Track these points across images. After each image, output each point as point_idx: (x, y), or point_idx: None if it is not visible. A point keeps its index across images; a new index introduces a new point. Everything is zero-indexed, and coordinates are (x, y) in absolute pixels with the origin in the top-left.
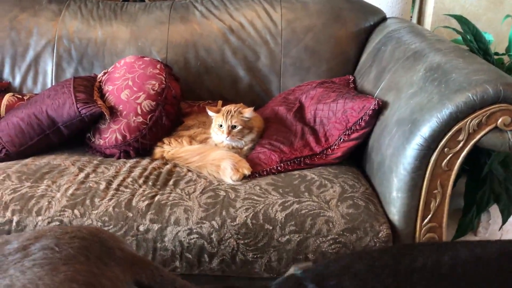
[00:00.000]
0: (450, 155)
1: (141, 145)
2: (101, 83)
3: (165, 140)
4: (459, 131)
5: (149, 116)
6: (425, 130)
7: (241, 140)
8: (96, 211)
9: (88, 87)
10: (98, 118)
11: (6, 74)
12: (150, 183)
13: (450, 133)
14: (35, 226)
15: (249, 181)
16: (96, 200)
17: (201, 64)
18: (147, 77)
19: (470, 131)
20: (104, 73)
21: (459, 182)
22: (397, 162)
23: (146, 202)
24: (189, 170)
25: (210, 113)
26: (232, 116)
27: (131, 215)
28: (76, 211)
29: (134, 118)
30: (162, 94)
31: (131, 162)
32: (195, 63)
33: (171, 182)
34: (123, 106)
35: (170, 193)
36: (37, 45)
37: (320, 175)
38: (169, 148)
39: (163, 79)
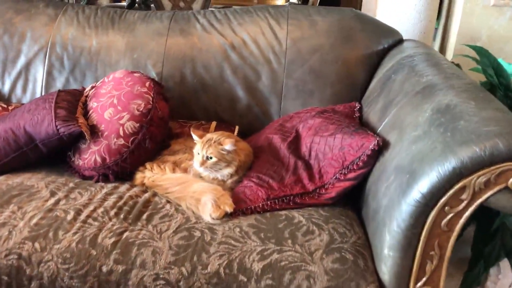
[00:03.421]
0: (451, 214)
1: (121, 169)
2: (87, 98)
3: (147, 165)
4: (462, 188)
5: (132, 138)
6: (424, 185)
7: (217, 172)
8: (58, 246)
9: (72, 102)
10: (79, 137)
11: None
12: (121, 216)
13: (452, 191)
14: None
15: (230, 220)
16: (60, 233)
17: (198, 81)
18: (134, 96)
19: (476, 189)
20: (92, 87)
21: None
22: (391, 216)
23: (113, 239)
24: (168, 201)
25: (194, 136)
26: (210, 145)
27: (94, 253)
28: (36, 244)
29: (115, 140)
30: (148, 115)
31: (108, 187)
32: (192, 79)
33: (144, 216)
34: (105, 126)
35: (141, 229)
36: (29, 51)
37: (309, 218)
38: (150, 174)
39: (151, 99)
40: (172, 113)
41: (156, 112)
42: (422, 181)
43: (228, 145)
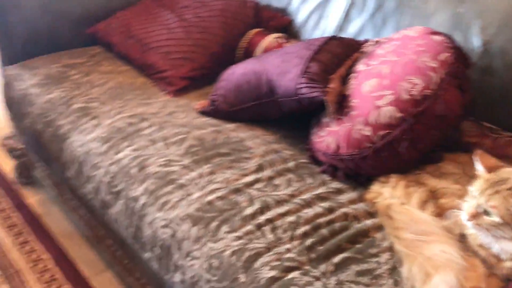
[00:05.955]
0: None
1: (357, 168)
2: (362, 55)
3: (393, 179)
4: None
5: (383, 132)
6: None
7: (494, 241)
8: (211, 245)
9: (338, 57)
10: (322, 106)
11: (294, 8)
12: (309, 241)
13: None
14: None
15: None
16: (224, 228)
17: None
18: (413, 70)
19: None
20: (377, 42)
21: None
22: None
23: (272, 273)
24: (390, 248)
25: (477, 165)
26: (497, 192)
27: (243, 280)
28: (193, 230)
29: (360, 126)
30: (420, 105)
31: (328, 187)
32: None
33: (338, 258)
34: (358, 102)
35: (318, 278)
36: None
37: None
38: (389, 194)
39: (437, 80)
40: (476, 110)
41: (435, 105)
42: None
43: None
